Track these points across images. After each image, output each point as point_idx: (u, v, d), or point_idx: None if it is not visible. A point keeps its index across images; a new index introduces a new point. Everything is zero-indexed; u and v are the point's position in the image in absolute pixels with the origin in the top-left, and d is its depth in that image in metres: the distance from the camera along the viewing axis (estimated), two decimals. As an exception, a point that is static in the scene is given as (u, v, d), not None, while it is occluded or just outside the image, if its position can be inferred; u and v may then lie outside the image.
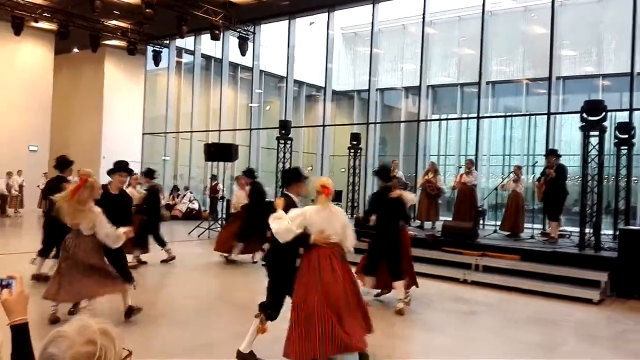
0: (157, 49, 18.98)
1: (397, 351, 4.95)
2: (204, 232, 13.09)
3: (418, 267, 8.91)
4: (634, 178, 11.59)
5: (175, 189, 18.64)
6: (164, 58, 19.42)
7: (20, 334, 1.63)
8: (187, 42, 19.28)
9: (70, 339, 1.29)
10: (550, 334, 5.87)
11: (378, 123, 16.53)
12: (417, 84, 14.82)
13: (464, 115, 16.63)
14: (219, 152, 13.19)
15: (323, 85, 16.55)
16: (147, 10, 13.34)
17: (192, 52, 19.55)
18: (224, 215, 13.63)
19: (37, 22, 16.85)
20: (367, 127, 15.46)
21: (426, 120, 15.71)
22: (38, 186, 18.13)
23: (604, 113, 8.30)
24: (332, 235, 4.37)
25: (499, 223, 10.91)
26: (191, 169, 19.73)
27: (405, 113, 18.04)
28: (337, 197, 15.56)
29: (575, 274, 7.76)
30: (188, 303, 6.68)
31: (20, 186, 17.59)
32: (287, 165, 13.47)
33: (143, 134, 20.62)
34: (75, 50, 21.41)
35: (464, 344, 5.41)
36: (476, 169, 12.70)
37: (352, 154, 13.78)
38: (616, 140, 10.62)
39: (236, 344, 4.48)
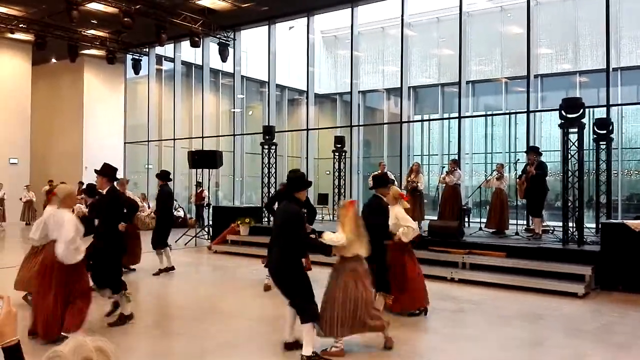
0: (137, 57, 18.84)
1: (386, 350, 4.98)
2: (190, 239, 13.01)
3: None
4: (613, 172, 11.81)
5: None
6: (144, 66, 19.27)
7: (12, 354, 1.62)
8: (167, 49, 19.17)
9: (67, 358, 1.29)
10: (537, 329, 5.96)
11: (361, 125, 16.61)
12: (399, 86, 14.93)
13: (446, 115, 16.80)
14: (203, 159, 13.15)
15: (305, 89, 16.58)
16: (126, 19, 13.25)
17: (172, 60, 19.44)
18: (210, 222, 13.58)
19: (13, 33, 16.61)
20: (350, 130, 15.53)
21: (409, 122, 15.84)
22: (20, 199, 17.85)
23: (582, 110, 8.45)
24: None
25: (483, 221, 11.05)
26: (175, 177, 19.61)
27: (388, 114, 18.17)
28: (323, 200, 15.64)
29: (560, 269, 7.89)
30: (178, 312, 6.64)
31: (1, 199, 17.32)
32: (272, 171, 13.47)
33: (125, 142, 20.44)
34: (54, 60, 21.15)
35: (452, 341, 5.47)
36: (459, 168, 12.84)
37: (336, 156, 13.83)
38: (595, 136, 10.81)
39: (227, 352, 4.47)
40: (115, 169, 6.00)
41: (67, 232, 4.73)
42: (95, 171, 5.86)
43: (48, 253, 5.01)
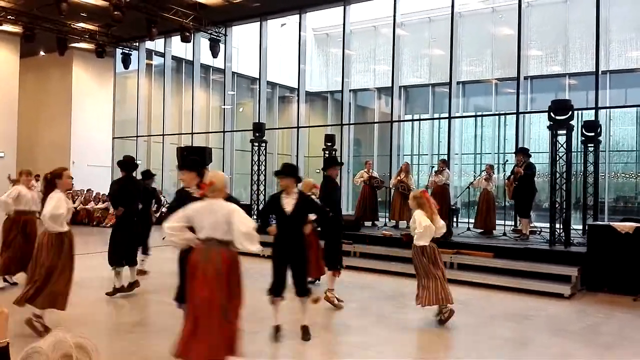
0: (127, 52, 18.67)
1: (373, 351, 4.98)
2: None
3: (394, 267, 9.05)
4: (601, 174, 11.91)
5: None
6: (134, 60, 19.10)
7: (1, 357, 1.57)
8: (157, 44, 19.01)
9: (46, 354, 1.26)
10: (524, 329, 5.99)
11: (352, 124, 16.61)
12: (390, 85, 14.94)
13: (436, 115, 16.84)
14: (192, 156, 13.04)
15: (296, 86, 16.54)
16: (116, 13, 13.11)
17: (162, 54, 19.29)
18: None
19: (1, 24, 16.37)
20: (341, 128, 15.51)
21: (399, 121, 15.86)
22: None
23: (570, 112, 8.51)
24: None
25: (471, 221, 11.09)
26: (164, 173, 19.45)
27: (379, 113, 18.17)
28: (312, 199, 15.60)
29: (547, 270, 7.95)
30: (164, 309, 6.59)
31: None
32: (262, 168, 13.43)
33: (113, 137, 20.26)
34: (42, 53, 20.89)
35: (440, 342, 5.48)
36: (449, 168, 12.89)
37: (326, 154, 13.79)
38: (583, 138, 10.89)
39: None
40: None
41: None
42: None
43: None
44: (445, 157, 12.52)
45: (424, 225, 5.79)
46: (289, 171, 5.35)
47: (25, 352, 1.28)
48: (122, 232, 7.02)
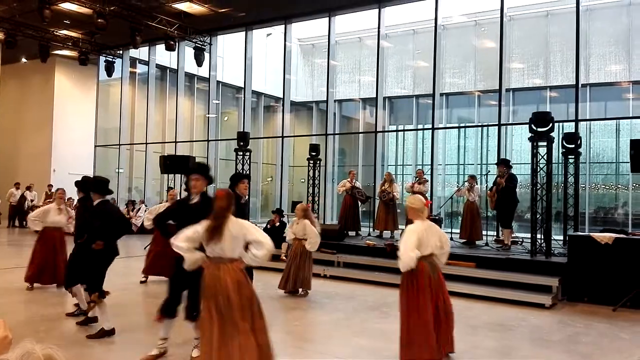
0: (110, 59, 18.55)
1: (361, 358, 4.96)
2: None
3: (378, 277, 9.04)
4: (581, 185, 12.09)
5: (131, 202, 18.17)
6: (117, 68, 18.98)
7: None
8: (142, 52, 18.93)
9: (14, 366, 1.23)
10: (505, 339, 6.01)
11: (337, 134, 16.66)
12: (374, 96, 15.04)
13: (420, 126, 16.99)
14: (176, 164, 12.96)
15: (281, 96, 16.56)
16: (99, 20, 13.04)
17: (146, 63, 19.20)
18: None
19: (-19, 30, 16.19)
20: (326, 138, 15.55)
21: (383, 131, 15.96)
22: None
23: (551, 124, 8.64)
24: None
25: (455, 231, 11.16)
26: (146, 182, 19.28)
27: (363, 124, 18.28)
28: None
29: (528, 280, 8.00)
30: (141, 319, 6.49)
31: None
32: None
33: (95, 145, 20.05)
34: (24, 60, 20.65)
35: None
36: (431, 178, 13.01)
37: (311, 164, 13.82)
38: (563, 150, 11.05)
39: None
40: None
41: None
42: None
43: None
44: (422, 168, 12.65)
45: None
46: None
47: (-7, 364, 1.25)
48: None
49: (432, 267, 4.74)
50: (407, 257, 4.49)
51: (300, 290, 7.90)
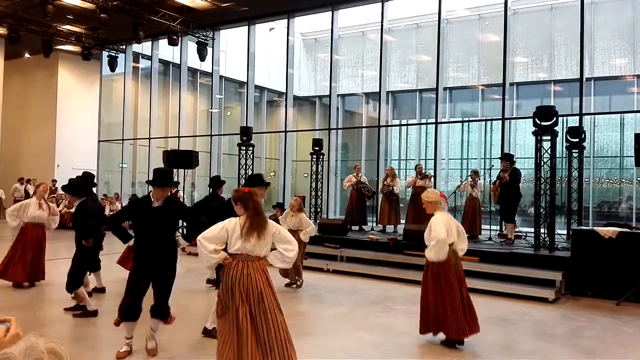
0: (113, 54, 18.55)
1: (357, 355, 4.97)
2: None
3: (381, 271, 9.05)
4: (585, 180, 12.05)
5: (134, 197, 18.21)
6: (120, 63, 18.98)
7: None
8: (144, 47, 18.91)
9: (17, 360, 1.23)
10: (509, 333, 6.02)
11: (340, 129, 16.63)
12: (377, 90, 15.00)
13: (423, 121, 16.94)
14: (179, 159, 12.96)
15: (284, 90, 16.53)
16: (102, 15, 13.03)
17: (149, 57, 19.18)
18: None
19: (-15, 26, 16.21)
20: (328, 133, 15.53)
21: (386, 126, 15.93)
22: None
23: (555, 118, 8.61)
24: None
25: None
26: (150, 177, 19.31)
27: (366, 118, 18.23)
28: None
29: (531, 274, 8.00)
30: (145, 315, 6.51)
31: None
32: (250, 172, 13.37)
33: (99, 141, 20.08)
34: (27, 55, 20.67)
35: (424, 345, 5.48)
36: (435, 172, 13.00)
37: (314, 159, 13.82)
38: (567, 144, 11.01)
39: (177, 347, 4.40)
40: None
41: None
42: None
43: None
44: (426, 162, 12.65)
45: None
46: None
47: (-3, 359, 1.25)
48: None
49: (455, 255, 5.14)
50: (441, 246, 4.87)
51: (297, 280, 8.09)
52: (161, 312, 4.73)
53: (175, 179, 6.01)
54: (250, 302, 3.79)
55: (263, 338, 3.75)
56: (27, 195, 18.37)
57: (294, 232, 7.92)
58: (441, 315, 5.08)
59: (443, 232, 4.82)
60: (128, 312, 4.63)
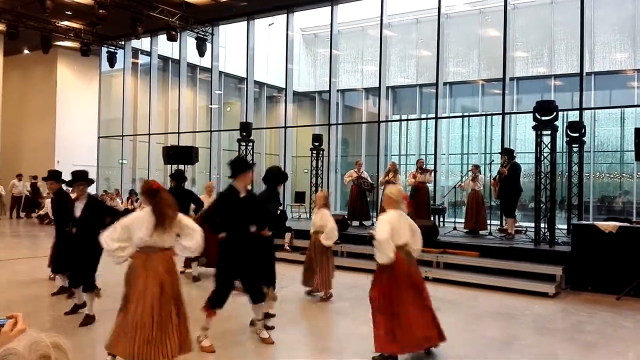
0: (112, 50, 18.50)
1: (358, 349, 4.97)
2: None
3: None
4: (585, 174, 12.04)
5: (133, 193, 18.20)
6: (120, 59, 18.94)
7: None
8: (143, 42, 18.87)
9: (22, 356, 1.23)
10: (509, 328, 6.02)
11: (339, 124, 16.60)
12: (377, 85, 14.97)
13: (423, 116, 16.91)
14: (179, 155, 12.96)
15: (284, 86, 16.50)
16: (100, 11, 12.99)
17: (148, 53, 19.14)
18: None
19: (-17, 22, 16.16)
20: (328, 128, 15.51)
21: (387, 121, 15.91)
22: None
23: (555, 113, 8.59)
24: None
25: (458, 220, 11.14)
26: (150, 173, 19.30)
27: (366, 114, 18.21)
28: (300, 198, 15.61)
29: (532, 269, 8.01)
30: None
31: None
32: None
33: (99, 137, 20.06)
34: (26, 51, 20.62)
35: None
36: (435, 167, 12.99)
37: (314, 155, 13.81)
38: (568, 139, 10.99)
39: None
40: None
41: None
42: None
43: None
44: (426, 157, 12.64)
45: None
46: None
47: (0, 354, 1.25)
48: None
49: (409, 257, 4.68)
50: (383, 247, 4.42)
51: (321, 292, 7.04)
52: (260, 295, 4.95)
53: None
54: (152, 293, 3.92)
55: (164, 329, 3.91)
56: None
57: (316, 235, 7.08)
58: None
59: (384, 232, 4.44)
60: (220, 301, 4.79)
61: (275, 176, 6.18)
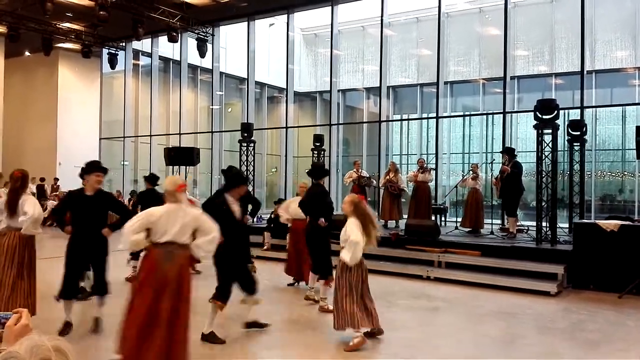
0: (113, 52, 18.51)
1: (365, 346, 4.99)
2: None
3: (383, 266, 9.06)
4: (587, 173, 12.03)
5: (134, 194, 18.22)
6: (121, 60, 18.96)
7: None
8: (144, 44, 18.88)
9: (23, 359, 1.24)
10: (511, 327, 6.03)
11: (340, 124, 16.60)
12: (378, 85, 14.97)
13: (424, 115, 16.90)
14: (180, 156, 12.98)
15: (285, 86, 16.50)
16: (101, 13, 12.98)
17: (149, 55, 19.16)
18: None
19: (-16, 24, 16.19)
20: (329, 128, 15.51)
21: (387, 121, 15.90)
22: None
23: (556, 111, 8.59)
24: None
25: (459, 220, 11.13)
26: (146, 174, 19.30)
27: (367, 114, 18.20)
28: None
29: (533, 268, 8.00)
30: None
31: (-29, 195, 16.89)
32: (251, 168, 13.38)
33: (100, 138, 20.09)
34: (27, 53, 20.66)
35: (428, 339, 5.50)
36: (436, 167, 12.98)
37: (315, 155, 13.81)
38: (569, 137, 10.98)
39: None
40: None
41: None
42: None
43: None
44: (427, 156, 12.64)
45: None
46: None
47: (1, 356, 1.26)
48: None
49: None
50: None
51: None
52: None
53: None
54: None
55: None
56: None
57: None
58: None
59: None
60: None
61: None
